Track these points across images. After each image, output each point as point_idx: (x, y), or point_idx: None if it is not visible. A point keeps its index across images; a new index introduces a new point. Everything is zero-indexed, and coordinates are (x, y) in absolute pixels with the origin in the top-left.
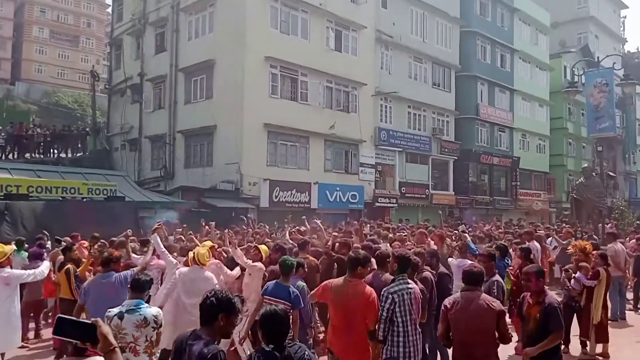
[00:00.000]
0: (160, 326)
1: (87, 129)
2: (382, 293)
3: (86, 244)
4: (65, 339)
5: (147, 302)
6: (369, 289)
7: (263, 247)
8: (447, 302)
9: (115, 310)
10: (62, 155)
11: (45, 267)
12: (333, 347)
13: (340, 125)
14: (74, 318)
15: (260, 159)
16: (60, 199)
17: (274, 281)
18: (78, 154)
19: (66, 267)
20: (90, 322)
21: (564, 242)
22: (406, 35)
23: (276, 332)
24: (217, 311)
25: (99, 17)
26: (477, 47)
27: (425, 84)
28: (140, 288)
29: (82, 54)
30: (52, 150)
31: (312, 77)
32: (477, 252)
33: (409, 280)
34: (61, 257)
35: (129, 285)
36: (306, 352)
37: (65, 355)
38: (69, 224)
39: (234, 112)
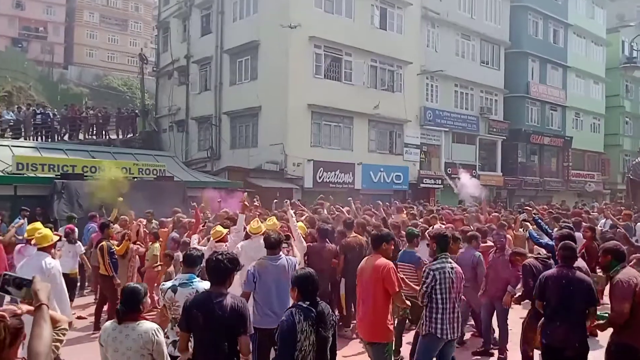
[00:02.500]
0: None
1: (137, 111)
2: (423, 269)
3: (144, 222)
4: (9, 294)
5: (199, 276)
6: (384, 260)
7: (300, 224)
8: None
9: (169, 283)
10: (113, 136)
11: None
12: (357, 324)
13: (384, 105)
14: (16, 275)
15: (304, 140)
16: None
17: (403, 249)
18: (128, 135)
19: (101, 244)
20: (29, 278)
21: (621, 224)
22: (453, 11)
23: (311, 291)
24: (231, 271)
25: (147, 1)
26: (529, 22)
27: (473, 61)
28: (192, 263)
29: (131, 37)
30: (104, 132)
31: (357, 56)
32: (540, 241)
33: (451, 260)
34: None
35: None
36: (329, 310)
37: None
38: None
39: (278, 93)
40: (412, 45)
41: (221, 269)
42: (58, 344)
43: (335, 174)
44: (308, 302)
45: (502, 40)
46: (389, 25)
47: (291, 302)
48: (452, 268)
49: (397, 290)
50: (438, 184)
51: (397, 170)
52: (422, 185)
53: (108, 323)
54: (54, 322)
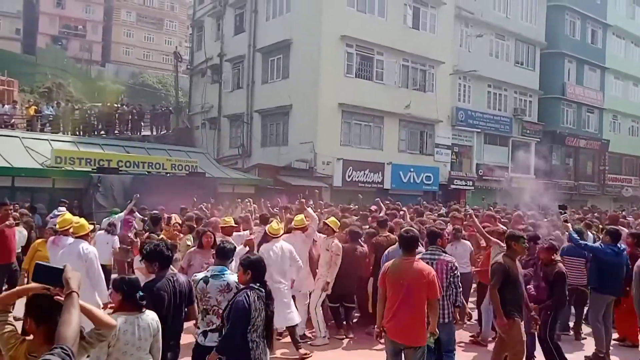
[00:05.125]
0: None
1: (171, 108)
2: None
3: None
4: (42, 284)
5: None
6: (427, 265)
7: (332, 220)
8: None
9: (201, 275)
10: (147, 133)
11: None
12: (389, 328)
13: (416, 105)
14: (49, 264)
15: (334, 139)
16: (147, 173)
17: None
18: (162, 132)
19: (160, 237)
20: (60, 267)
21: None
22: (488, 10)
23: (262, 274)
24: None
25: (182, 0)
26: (566, 22)
27: (507, 62)
28: (225, 255)
29: (166, 36)
30: (138, 128)
31: (389, 55)
32: (580, 242)
33: (437, 252)
34: None
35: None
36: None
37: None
38: (154, 196)
39: (309, 92)
40: (445, 44)
41: (169, 256)
42: (87, 345)
43: (364, 173)
44: (259, 284)
45: (538, 41)
46: (421, 25)
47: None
48: (433, 259)
49: (438, 297)
50: (469, 186)
51: (428, 171)
52: (452, 186)
53: (119, 318)
54: (101, 324)
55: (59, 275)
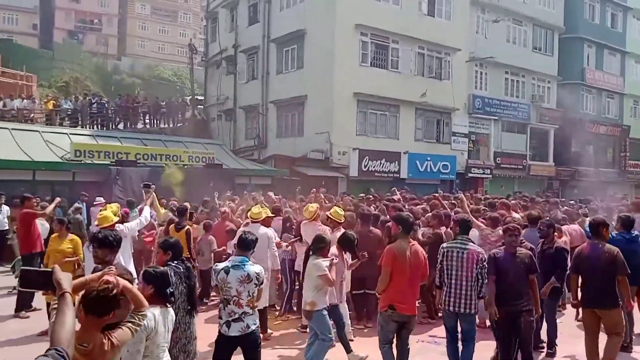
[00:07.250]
0: (262, 283)
1: (187, 100)
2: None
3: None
4: (32, 290)
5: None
6: (420, 247)
7: (334, 211)
8: None
9: (222, 265)
10: (164, 125)
11: (147, 212)
12: (398, 304)
13: (432, 93)
14: (37, 268)
15: (349, 129)
16: (164, 165)
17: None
18: (178, 124)
19: (186, 228)
20: (49, 270)
21: None
22: None
23: (179, 254)
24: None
25: None
26: (585, 6)
27: (524, 47)
28: (246, 246)
29: (181, 28)
30: (155, 120)
31: (404, 43)
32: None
33: (467, 243)
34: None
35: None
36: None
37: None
38: (172, 188)
39: (324, 82)
40: (461, 31)
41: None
42: (137, 327)
43: (380, 163)
44: (176, 262)
45: (556, 25)
46: (437, 12)
47: None
48: (463, 249)
49: (426, 280)
50: (487, 174)
51: (445, 160)
52: (470, 174)
53: (155, 310)
54: (142, 305)
55: (48, 278)
